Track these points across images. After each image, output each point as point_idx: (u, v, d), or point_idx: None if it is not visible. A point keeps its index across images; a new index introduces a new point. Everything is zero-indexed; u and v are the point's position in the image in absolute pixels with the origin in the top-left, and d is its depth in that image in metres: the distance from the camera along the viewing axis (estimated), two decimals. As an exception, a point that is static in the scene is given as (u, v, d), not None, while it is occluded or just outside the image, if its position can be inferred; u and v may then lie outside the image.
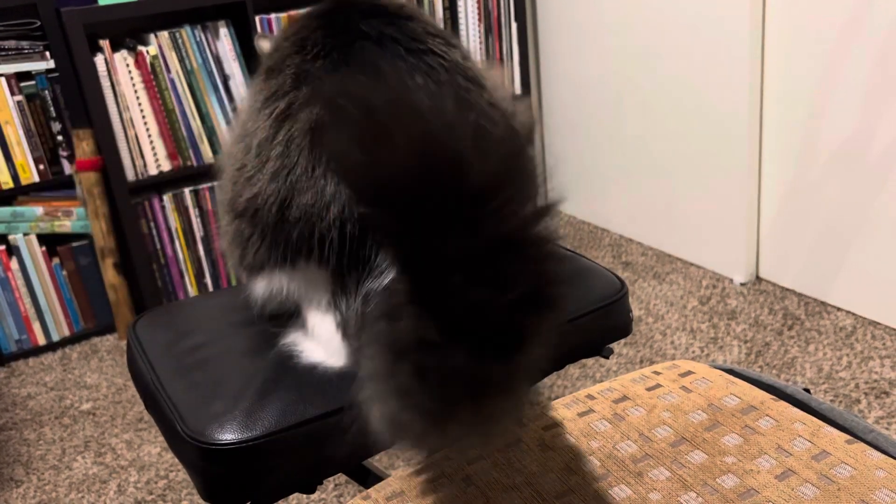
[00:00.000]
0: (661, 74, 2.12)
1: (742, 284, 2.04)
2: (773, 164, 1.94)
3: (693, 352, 1.79)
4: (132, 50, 1.99)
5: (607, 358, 0.96)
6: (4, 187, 1.98)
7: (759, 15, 1.84)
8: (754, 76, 1.88)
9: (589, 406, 0.77)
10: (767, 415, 0.72)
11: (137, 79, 1.99)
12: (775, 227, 1.98)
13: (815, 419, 0.71)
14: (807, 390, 0.79)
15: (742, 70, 1.88)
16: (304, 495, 1.47)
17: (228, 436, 0.74)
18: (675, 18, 2.03)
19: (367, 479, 1.09)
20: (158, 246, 2.12)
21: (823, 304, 1.91)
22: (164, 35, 2.01)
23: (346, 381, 0.80)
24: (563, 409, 0.77)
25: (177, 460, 1.62)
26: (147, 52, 1.99)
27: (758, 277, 2.06)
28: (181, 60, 2.04)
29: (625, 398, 0.77)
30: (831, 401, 1.59)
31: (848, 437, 0.68)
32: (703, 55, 1.98)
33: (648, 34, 2.12)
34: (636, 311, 1.98)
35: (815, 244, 1.89)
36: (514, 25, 2.45)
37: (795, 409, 0.73)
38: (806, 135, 1.84)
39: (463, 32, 2.39)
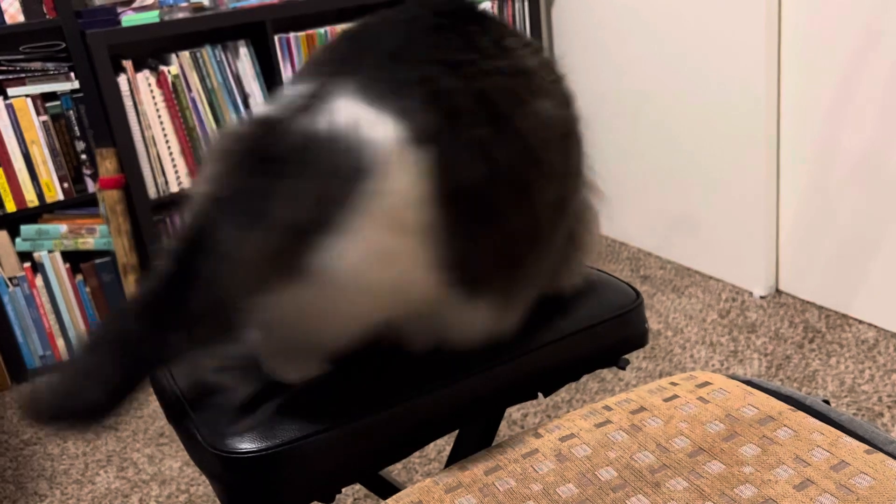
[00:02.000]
0: (677, 87, 2.12)
1: (762, 297, 2.03)
2: (791, 176, 1.93)
3: (713, 365, 1.78)
4: (154, 70, 2.03)
5: (623, 369, 0.96)
6: (30, 205, 2.02)
7: (775, 27, 1.84)
8: (771, 87, 1.88)
9: (606, 417, 0.77)
10: (785, 425, 0.72)
11: (159, 98, 2.03)
12: (795, 239, 1.97)
13: (833, 429, 0.71)
14: (826, 401, 0.78)
15: (758, 81, 1.88)
16: (324, 509, 1.48)
17: (249, 445, 0.75)
18: (690, 31, 2.04)
19: (385, 490, 1.09)
20: (179, 262, 2.14)
21: (845, 316, 1.89)
22: (186, 55, 2.04)
23: (365, 391, 0.81)
24: (581, 420, 0.77)
25: (198, 474, 1.63)
26: (169, 71, 2.02)
27: (778, 290, 2.05)
28: (202, 80, 2.07)
29: (642, 409, 0.77)
30: (854, 414, 1.57)
31: (867, 447, 0.68)
32: (720, 66, 1.98)
33: (664, 47, 2.13)
34: (655, 325, 1.97)
35: (835, 256, 1.88)
36: (529, 41, 2.47)
37: (814, 420, 0.73)
38: (824, 145, 1.83)
39: (479, 49, 2.41)
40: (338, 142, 0.68)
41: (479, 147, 0.72)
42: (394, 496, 0.71)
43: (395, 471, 1.57)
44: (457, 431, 1.16)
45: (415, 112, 0.70)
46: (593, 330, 0.90)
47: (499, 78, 0.75)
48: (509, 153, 0.74)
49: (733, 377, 0.82)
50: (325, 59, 0.77)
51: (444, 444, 1.62)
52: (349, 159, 0.68)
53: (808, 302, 1.97)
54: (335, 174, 0.67)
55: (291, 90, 0.73)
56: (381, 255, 0.70)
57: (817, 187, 1.88)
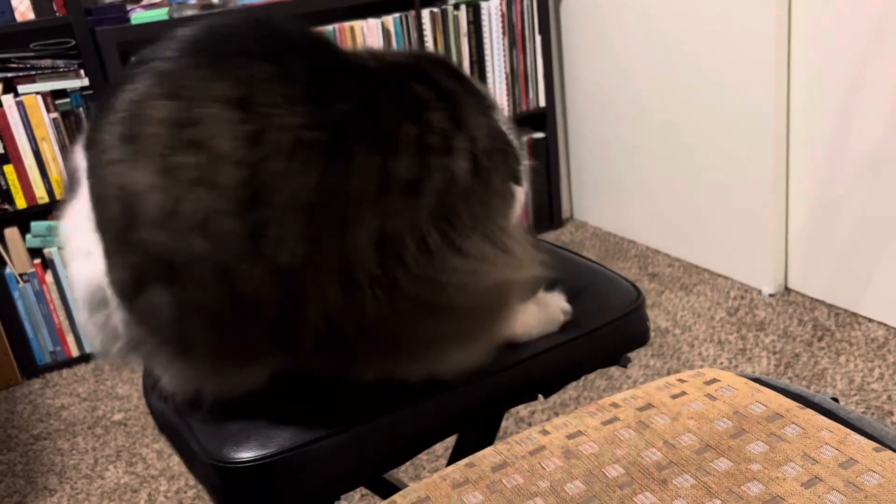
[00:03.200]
0: (687, 84, 2.12)
1: (771, 295, 2.02)
2: (800, 173, 1.93)
3: (721, 363, 1.78)
4: (163, 67, 2.03)
5: (625, 367, 0.95)
6: (40, 202, 2.03)
7: (785, 23, 1.83)
8: (780, 84, 1.87)
9: (613, 414, 0.77)
10: (794, 422, 0.72)
11: (168, 95, 2.04)
12: (804, 237, 1.96)
13: (842, 427, 0.71)
14: (835, 399, 0.78)
15: (768, 78, 1.88)
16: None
17: (245, 454, 0.73)
18: (699, 28, 2.03)
19: (388, 491, 1.09)
20: (188, 259, 2.15)
21: (854, 314, 1.88)
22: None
23: (361, 397, 0.80)
24: (588, 418, 0.77)
25: (206, 470, 1.64)
26: (178, 69, 2.03)
27: (787, 288, 2.04)
28: (211, 77, 2.08)
29: (649, 406, 0.77)
30: (863, 412, 1.56)
31: (876, 444, 0.68)
32: (729, 64, 1.97)
33: (673, 44, 2.12)
34: (663, 323, 1.97)
35: (844, 254, 1.87)
36: (538, 39, 2.46)
37: (822, 417, 0.72)
38: (834, 143, 1.83)
39: (487, 47, 2.41)
40: None
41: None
42: (401, 492, 0.71)
43: (403, 468, 1.57)
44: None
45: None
46: (594, 334, 0.89)
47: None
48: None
49: (741, 375, 0.82)
50: None
51: (451, 442, 1.62)
52: None
53: (817, 300, 1.96)
54: None
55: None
56: None
57: (827, 185, 1.87)
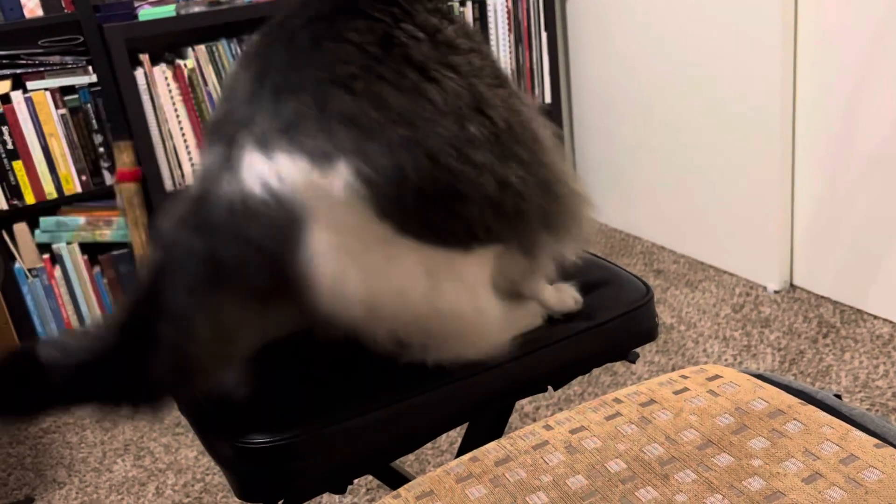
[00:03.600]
0: (692, 81, 2.12)
1: (776, 292, 2.02)
2: (806, 170, 1.93)
3: (726, 360, 1.78)
4: (171, 63, 2.04)
5: (633, 362, 0.96)
6: (49, 198, 2.05)
7: (792, 20, 1.83)
8: (786, 81, 1.87)
9: (616, 409, 0.78)
10: (795, 419, 0.72)
11: (175, 91, 2.05)
12: (810, 233, 1.96)
13: (843, 423, 0.71)
14: (837, 396, 0.79)
15: (774, 74, 1.87)
16: (336, 495, 1.50)
17: (262, 436, 0.76)
18: (706, 25, 2.03)
19: (396, 480, 1.10)
20: (195, 254, 2.17)
21: (859, 311, 1.88)
22: (202, 49, 2.06)
23: (377, 381, 0.82)
24: (590, 413, 0.78)
25: (213, 464, 1.66)
26: (185, 65, 2.04)
27: (792, 285, 2.04)
28: (218, 73, 2.09)
29: (652, 402, 0.78)
30: (867, 409, 1.57)
31: (877, 441, 0.68)
32: (735, 61, 1.97)
33: (679, 41, 2.12)
34: (668, 319, 1.97)
35: (850, 251, 1.87)
36: (544, 35, 2.46)
37: (823, 414, 0.73)
38: (840, 139, 1.82)
39: (493, 42, 2.41)
40: (255, 205, 0.69)
41: (399, 147, 0.70)
42: (405, 485, 0.72)
43: (408, 461, 1.59)
44: (467, 423, 1.17)
45: (318, 141, 0.69)
46: (604, 327, 0.91)
47: (396, 79, 0.72)
48: (430, 141, 0.71)
49: (744, 371, 0.82)
50: (228, 101, 0.76)
51: (455, 436, 1.63)
52: (274, 216, 0.69)
53: (822, 297, 1.97)
54: (268, 234, 0.69)
55: (209, 157, 0.74)
56: (366, 273, 0.72)
57: (832, 182, 1.87)
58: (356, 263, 0.71)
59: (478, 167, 0.72)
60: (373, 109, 0.70)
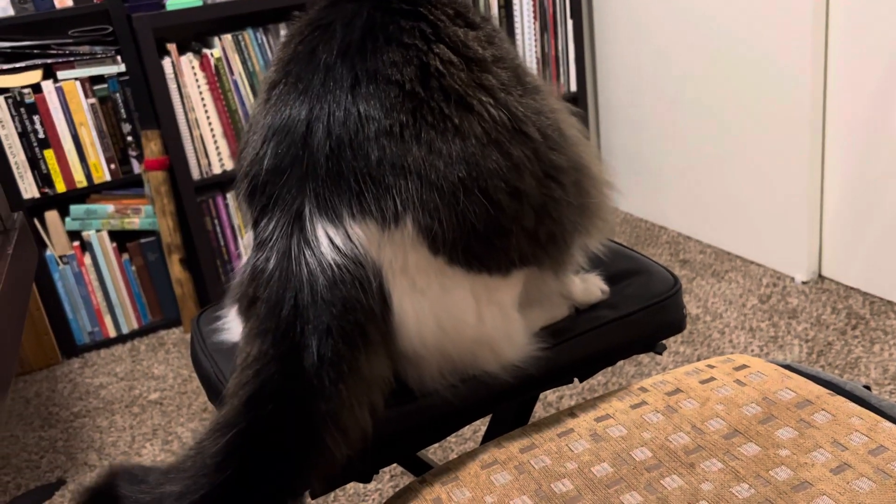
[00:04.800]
0: (720, 69, 2.09)
1: (804, 283, 2.00)
2: (836, 159, 1.90)
3: (752, 350, 1.77)
4: (197, 53, 2.06)
5: (660, 354, 0.96)
6: (79, 186, 2.08)
7: (823, 6, 1.80)
8: (817, 69, 1.84)
9: (642, 398, 0.77)
10: (823, 409, 0.72)
11: (202, 81, 2.06)
12: (839, 223, 1.93)
13: (872, 414, 0.70)
14: (867, 387, 0.78)
15: (804, 62, 1.84)
16: (361, 484, 1.51)
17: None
18: (734, 12, 2.00)
19: (421, 468, 1.11)
20: (222, 242, 2.19)
21: (890, 303, 1.85)
22: (228, 38, 2.07)
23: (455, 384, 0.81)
24: (616, 402, 0.78)
25: (239, 449, 1.67)
26: (211, 54, 2.05)
27: (820, 276, 2.02)
28: (244, 62, 2.10)
29: (678, 391, 0.77)
30: (897, 402, 1.54)
31: (907, 432, 0.67)
32: (764, 49, 1.94)
33: (707, 28, 2.09)
34: (694, 310, 1.96)
35: (880, 241, 1.84)
36: (569, 23, 2.45)
37: (853, 405, 0.72)
38: (871, 126, 1.79)
39: (518, 31, 2.40)
40: (336, 279, 0.70)
41: (456, 191, 0.71)
42: (431, 471, 0.73)
43: (432, 449, 1.59)
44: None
45: (384, 202, 0.70)
46: (631, 318, 0.90)
47: (441, 119, 0.72)
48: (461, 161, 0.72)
49: (772, 361, 0.82)
50: (275, 154, 0.75)
51: (479, 424, 1.64)
52: (356, 275, 0.70)
53: (851, 288, 1.94)
54: (349, 303, 0.70)
55: (265, 230, 0.74)
56: (444, 317, 0.74)
57: (863, 171, 1.84)
58: (426, 299, 0.74)
59: (520, 196, 0.74)
60: (427, 157, 0.71)
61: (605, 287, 0.93)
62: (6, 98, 1.96)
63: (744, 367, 0.80)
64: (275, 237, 0.73)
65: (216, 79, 2.07)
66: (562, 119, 0.82)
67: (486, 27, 0.81)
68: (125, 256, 2.18)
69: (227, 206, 2.16)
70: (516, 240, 0.76)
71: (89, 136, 2.06)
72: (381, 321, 0.72)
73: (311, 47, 0.76)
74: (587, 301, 0.91)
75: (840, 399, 0.73)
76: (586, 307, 0.91)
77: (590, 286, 0.92)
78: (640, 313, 0.91)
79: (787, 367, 0.81)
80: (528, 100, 0.78)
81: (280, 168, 0.74)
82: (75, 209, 2.10)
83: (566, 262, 0.84)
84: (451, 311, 0.75)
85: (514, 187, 0.74)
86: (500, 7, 2.36)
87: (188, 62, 2.04)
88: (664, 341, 0.95)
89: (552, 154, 0.77)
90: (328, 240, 0.71)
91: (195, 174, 2.10)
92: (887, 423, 0.69)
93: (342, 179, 0.71)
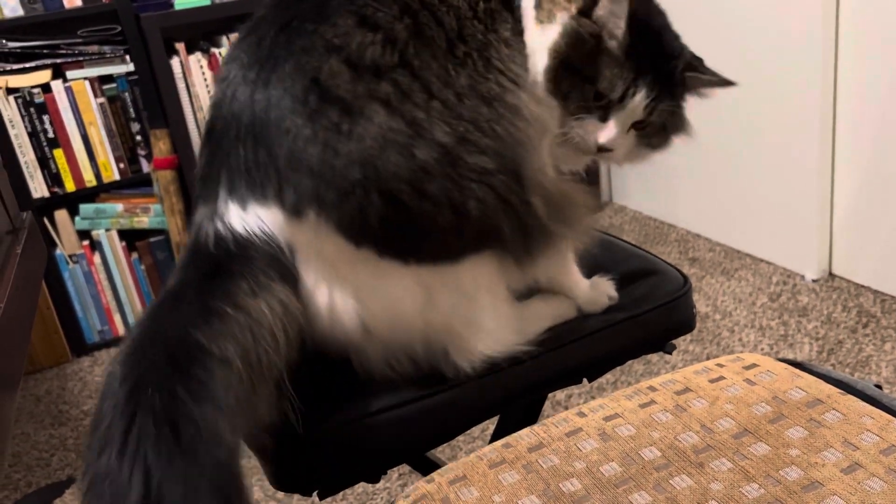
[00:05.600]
0: (730, 66, 2.07)
1: (814, 281, 1.99)
2: (846, 157, 1.88)
3: (762, 349, 1.76)
4: (206, 52, 2.06)
5: (670, 354, 0.95)
6: (88, 185, 2.09)
7: (833, 5, 1.79)
8: (827, 66, 1.83)
9: (651, 398, 0.77)
10: (834, 408, 0.71)
11: (210, 80, 2.07)
12: (849, 221, 1.92)
13: (884, 414, 0.70)
14: (878, 386, 0.77)
15: (815, 60, 1.83)
16: (370, 484, 1.51)
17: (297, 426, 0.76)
18: (744, 9, 1.99)
19: (428, 467, 1.11)
20: (230, 241, 2.19)
21: (901, 301, 1.84)
22: (236, 37, 2.07)
23: (415, 376, 0.81)
24: (625, 401, 0.78)
25: (246, 448, 1.68)
26: (219, 53, 2.06)
27: (831, 274, 2.00)
28: (252, 61, 2.10)
29: (687, 390, 0.77)
30: (908, 401, 1.53)
31: (919, 432, 0.67)
32: (775, 46, 1.93)
33: (716, 26, 2.08)
34: (703, 308, 1.95)
35: (891, 238, 1.83)
36: (578, 20, 2.43)
37: (864, 404, 0.72)
38: (881, 124, 1.78)
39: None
40: (248, 254, 0.73)
41: (353, 192, 0.72)
42: (438, 470, 0.73)
43: (440, 448, 1.59)
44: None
45: (286, 195, 0.72)
46: (641, 318, 0.89)
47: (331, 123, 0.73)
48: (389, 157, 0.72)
49: (782, 360, 0.81)
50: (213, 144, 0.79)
51: (487, 424, 1.63)
52: (268, 249, 0.73)
53: (862, 286, 1.93)
54: (264, 252, 0.73)
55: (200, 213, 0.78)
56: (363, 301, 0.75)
57: (873, 167, 1.83)
58: (348, 286, 0.75)
59: (430, 198, 0.73)
60: (324, 155, 0.72)
61: (614, 294, 0.91)
62: (16, 98, 1.97)
63: (753, 366, 0.80)
64: (197, 219, 0.78)
65: (224, 78, 2.08)
66: (511, 120, 0.78)
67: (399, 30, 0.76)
68: (134, 255, 2.19)
69: (235, 204, 2.17)
70: (442, 235, 0.75)
71: (98, 135, 2.07)
72: (293, 281, 0.74)
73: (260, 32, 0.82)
74: (592, 310, 0.90)
75: (851, 398, 0.72)
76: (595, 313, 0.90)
77: (598, 295, 0.91)
78: (651, 314, 0.90)
79: (798, 365, 0.80)
80: (447, 105, 0.74)
81: (214, 155, 0.78)
82: (85, 208, 2.11)
83: (534, 253, 0.81)
84: (388, 299, 0.75)
85: (420, 190, 0.73)
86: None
87: (196, 61, 2.04)
88: (674, 341, 0.95)
89: (472, 157, 0.74)
90: (241, 220, 0.74)
91: (204, 173, 2.11)
92: (899, 423, 0.68)
93: (256, 169, 0.73)
